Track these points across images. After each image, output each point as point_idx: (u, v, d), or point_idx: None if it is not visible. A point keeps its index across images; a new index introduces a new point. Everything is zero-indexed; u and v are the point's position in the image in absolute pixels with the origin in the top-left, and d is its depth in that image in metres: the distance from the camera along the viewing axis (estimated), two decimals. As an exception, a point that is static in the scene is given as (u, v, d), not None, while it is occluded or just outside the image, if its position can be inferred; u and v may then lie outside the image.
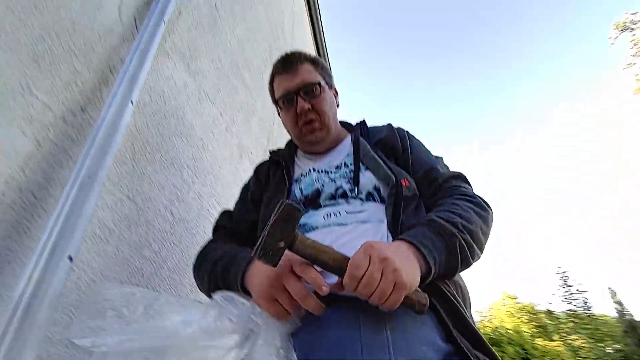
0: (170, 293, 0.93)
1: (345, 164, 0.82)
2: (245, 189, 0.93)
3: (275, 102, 0.92)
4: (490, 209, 0.72)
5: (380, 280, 0.47)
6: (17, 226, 0.53)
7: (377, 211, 0.70)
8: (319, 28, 4.71)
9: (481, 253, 0.65)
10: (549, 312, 17.74)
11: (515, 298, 17.97)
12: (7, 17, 0.55)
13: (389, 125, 0.94)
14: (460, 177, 0.78)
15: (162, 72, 1.00)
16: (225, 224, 0.87)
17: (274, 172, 0.89)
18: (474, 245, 0.61)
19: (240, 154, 1.58)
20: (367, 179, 0.75)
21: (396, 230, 0.64)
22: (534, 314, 17.16)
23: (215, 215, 1.22)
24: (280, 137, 2.43)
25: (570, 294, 17.45)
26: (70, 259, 0.49)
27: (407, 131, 0.92)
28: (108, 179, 0.73)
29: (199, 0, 1.29)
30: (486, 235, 0.66)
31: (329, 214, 0.71)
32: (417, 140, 0.91)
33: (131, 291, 0.47)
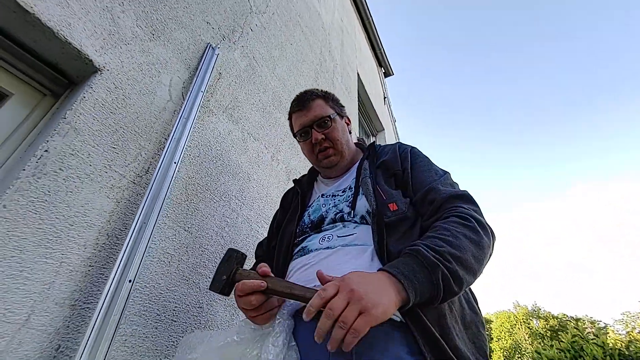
0: (225, 303, 1.17)
1: (350, 187, 0.90)
2: (274, 216, 1.11)
3: (294, 136, 1.05)
4: (487, 233, 0.69)
5: (345, 309, 0.50)
6: (107, 259, 0.82)
7: (366, 234, 0.74)
8: (375, 37, 4.72)
9: (473, 278, 0.64)
10: None
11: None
12: (93, 121, 0.86)
13: (396, 145, 0.97)
14: (462, 197, 0.75)
15: (208, 127, 1.28)
16: (259, 253, 1.07)
17: (294, 200, 1.04)
18: (461, 273, 0.60)
19: (287, 176, 1.80)
20: (362, 203, 0.80)
21: (382, 255, 0.67)
22: None
23: (264, 234, 1.45)
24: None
25: None
26: (130, 281, 0.76)
27: (411, 149, 0.92)
28: (167, 218, 1.01)
29: (237, 57, 1.56)
30: (479, 260, 0.64)
31: (323, 238, 0.80)
32: (422, 157, 0.90)
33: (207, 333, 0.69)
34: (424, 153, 0.91)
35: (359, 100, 3.91)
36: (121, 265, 0.77)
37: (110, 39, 0.96)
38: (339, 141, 0.96)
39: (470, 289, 0.77)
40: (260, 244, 1.10)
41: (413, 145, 0.94)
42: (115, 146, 0.91)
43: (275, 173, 1.68)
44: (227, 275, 0.68)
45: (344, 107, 1.08)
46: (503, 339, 27.31)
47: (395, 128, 5.57)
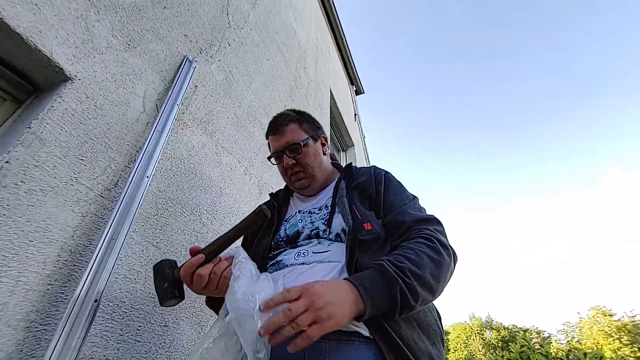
0: (192, 321, 1.14)
1: (326, 205, 0.93)
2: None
3: (269, 158, 1.08)
4: (450, 253, 0.75)
5: (302, 313, 0.56)
6: (68, 277, 0.78)
7: (339, 251, 0.78)
8: (347, 56, 4.90)
9: (432, 296, 0.69)
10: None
11: (611, 315, 15.39)
12: (60, 132, 0.83)
13: (371, 168, 1.02)
14: (429, 220, 0.80)
15: (181, 140, 1.26)
16: None
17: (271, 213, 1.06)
18: (419, 290, 0.64)
19: (260, 190, 1.80)
20: (338, 222, 0.84)
21: (350, 270, 0.72)
22: (637, 333, 14.45)
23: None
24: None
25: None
26: (96, 301, 0.72)
27: (385, 174, 0.98)
28: (135, 233, 0.98)
29: (213, 70, 1.57)
30: (438, 278, 0.69)
31: (299, 253, 0.83)
32: (395, 182, 0.95)
33: None
34: (397, 178, 0.97)
35: (330, 117, 4.01)
36: (86, 284, 0.73)
37: (84, 48, 0.93)
38: (309, 166, 0.99)
39: (434, 306, 0.82)
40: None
41: (387, 170, 0.99)
42: (83, 158, 0.87)
43: (247, 187, 1.68)
44: (168, 281, 0.68)
45: (320, 127, 1.11)
46: (459, 350, 28.34)
47: (365, 144, 5.76)
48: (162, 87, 1.21)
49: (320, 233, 0.85)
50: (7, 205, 0.69)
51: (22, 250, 0.71)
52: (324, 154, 1.08)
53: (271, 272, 0.84)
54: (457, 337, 29.47)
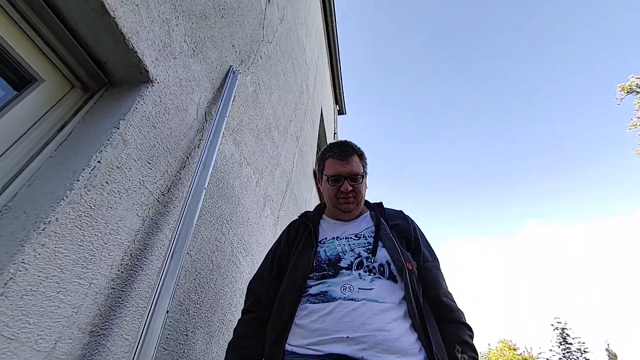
0: (205, 331, 1.15)
1: (364, 235, 1.01)
2: (276, 246, 1.13)
3: (321, 174, 1.13)
4: None
5: None
6: (126, 282, 0.78)
7: (382, 291, 0.87)
8: (338, 76, 5.09)
9: None
10: (551, 369, 17.03)
11: (515, 349, 17.28)
12: (139, 134, 0.83)
13: (402, 213, 1.15)
14: (449, 295, 0.99)
15: (220, 151, 1.28)
16: (259, 288, 1.03)
17: (302, 233, 1.09)
18: None
19: (264, 203, 1.83)
20: (382, 255, 0.94)
21: (413, 312, 0.84)
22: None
23: (241, 260, 1.46)
24: (297, 183, 2.69)
25: (569, 351, 16.77)
26: (167, 312, 0.74)
27: (416, 223, 1.13)
28: (177, 240, 0.98)
29: (247, 82, 1.60)
30: None
31: (345, 287, 0.89)
32: (424, 235, 1.11)
33: None
34: None
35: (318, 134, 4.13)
36: (158, 295, 0.74)
37: (164, 51, 0.94)
38: (361, 195, 1.10)
39: None
40: (258, 276, 1.12)
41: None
42: (150, 162, 0.87)
43: (256, 199, 1.71)
44: None
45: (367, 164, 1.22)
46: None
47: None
48: (211, 95, 1.23)
49: (364, 261, 0.93)
50: (94, 206, 0.69)
51: (98, 253, 0.70)
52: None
53: (316, 304, 0.89)
54: None
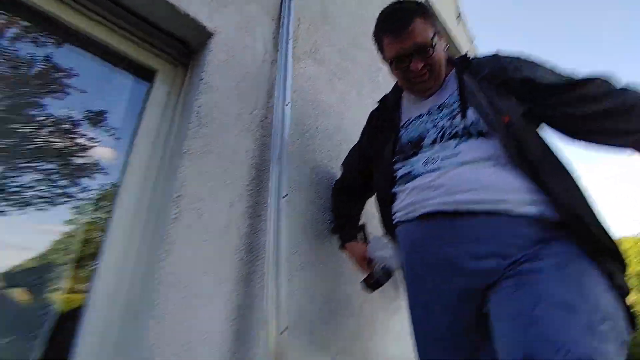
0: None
1: (448, 103, 0.88)
2: (362, 135, 1.21)
3: (384, 59, 0.96)
4: None
5: None
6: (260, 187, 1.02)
7: (471, 149, 0.78)
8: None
9: None
10: None
11: None
12: (216, 76, 1.02)
13: (495, 56, 0.91)
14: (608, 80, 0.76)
15: (298, 73, 1.38)
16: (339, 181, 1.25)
17: (383, 119, 1.06)
18: None
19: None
20: (470, 115, 0.81)
21: (523, 163, 0.72)
22: None
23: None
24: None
25: None
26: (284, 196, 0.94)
27: (518, 58, 0.87)
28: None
29: (310, 1, 1.59)
30: None
31: (427, 162, 0.83)
32: (534, 62, 0.85)
33: None
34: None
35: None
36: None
37: (215, 3, 1.08)
38: (438, 65, 0.89)
39: None
40: (348, 163, 1.27)
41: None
42: (240, 98, 1.07)
43: (362, 108, 1.72)
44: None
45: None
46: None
47: (475, 49, 4.95)
48: (274, 26, 1.31)
49: (447, 130, 0.83)
50: (209, 135, 0.94)
51: (229, 169, 0.96)
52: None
53: (401, 185, 0.89)
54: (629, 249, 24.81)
